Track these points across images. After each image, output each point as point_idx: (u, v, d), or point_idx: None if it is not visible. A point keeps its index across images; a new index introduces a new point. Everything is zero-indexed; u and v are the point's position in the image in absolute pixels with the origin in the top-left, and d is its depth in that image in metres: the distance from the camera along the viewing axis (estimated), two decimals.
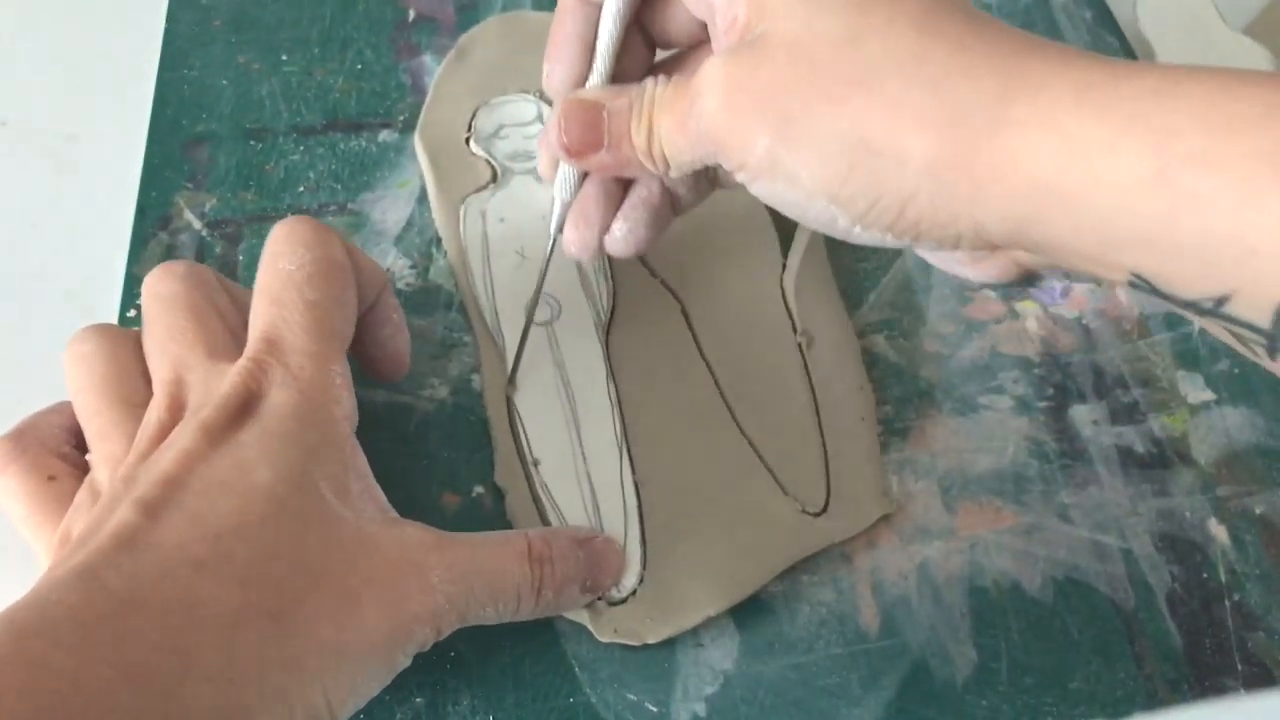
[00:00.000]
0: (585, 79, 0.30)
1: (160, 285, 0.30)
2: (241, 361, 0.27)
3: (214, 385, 0.27)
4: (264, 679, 0.23)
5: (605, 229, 0.31)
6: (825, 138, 0.24)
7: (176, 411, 0.28)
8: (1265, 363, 0.22)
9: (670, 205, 0.31)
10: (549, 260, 0.34)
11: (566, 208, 0.31)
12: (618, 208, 0.31)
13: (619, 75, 0.30)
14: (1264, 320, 0.21)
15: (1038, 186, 0.22)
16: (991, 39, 0.24)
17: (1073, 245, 0.23)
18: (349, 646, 0.25)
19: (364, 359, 0.33)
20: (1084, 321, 0.40)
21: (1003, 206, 0.23)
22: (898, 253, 0.41)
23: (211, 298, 0.30)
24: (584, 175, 0.31)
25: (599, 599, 0.32)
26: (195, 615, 0.23)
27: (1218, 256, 0.20)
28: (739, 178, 0.26)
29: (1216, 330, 0.23)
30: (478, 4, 0.47)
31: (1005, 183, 0.23)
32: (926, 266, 0.41)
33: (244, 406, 0.27)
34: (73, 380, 0.30)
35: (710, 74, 0.25)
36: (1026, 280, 0.27)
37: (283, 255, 0.29)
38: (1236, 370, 0.39)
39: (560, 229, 0.32)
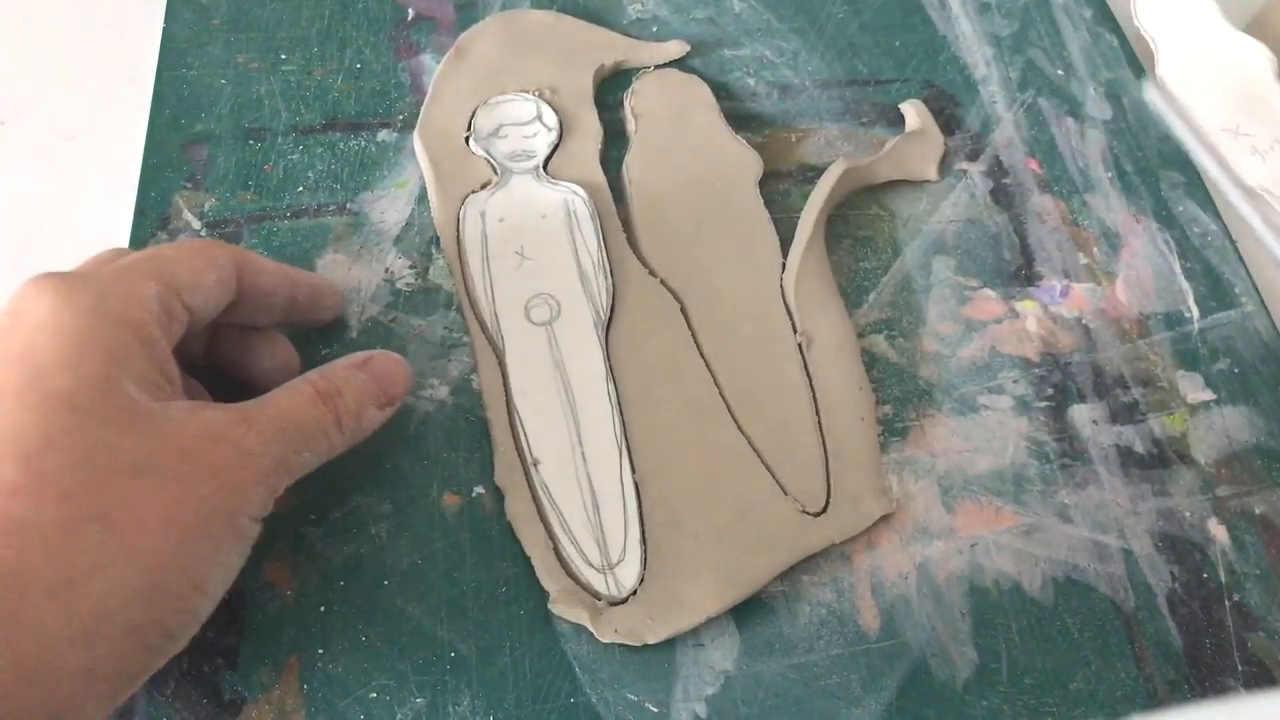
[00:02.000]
0: None
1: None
2: (39, 275, 0.27)
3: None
4: (111, 580, 0.24)
5: None
6: None
7: None
8: None
9: None
10: None
11: None
12: None
13: None
14: None
15: None
16: None
17: None
18: (187, 524, 0.25)
19: (255, 370, 0.34)
20: (1083, 321, 0.40)
21: None
22: (898, 253, 0.41)
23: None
24: None
25: (600, 601, 0.32)
26: (18, 538, 0.23)
27: None
28: None
29: None
30: (477, 3, 0.46)
31: None
32: (926, 266, 0.41)
33: (33, 313, 0.26)
34: None
35: None
36: None
37: None
38: (1236, 370, 0.39)
39: None
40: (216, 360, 0.34)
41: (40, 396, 0.25)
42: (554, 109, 0.42)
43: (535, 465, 0.34)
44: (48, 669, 0.23)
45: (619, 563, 0.32)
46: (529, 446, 0.34)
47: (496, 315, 0.37)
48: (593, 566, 0.32)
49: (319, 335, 0.36)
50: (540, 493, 0.33)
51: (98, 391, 0.25)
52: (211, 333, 0.33)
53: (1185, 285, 0.41)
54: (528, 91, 0.42)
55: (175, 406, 0.27)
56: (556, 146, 0.41)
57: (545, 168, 0.40)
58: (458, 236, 0.38)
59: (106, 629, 0.24)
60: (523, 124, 0.41)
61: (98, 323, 0.26)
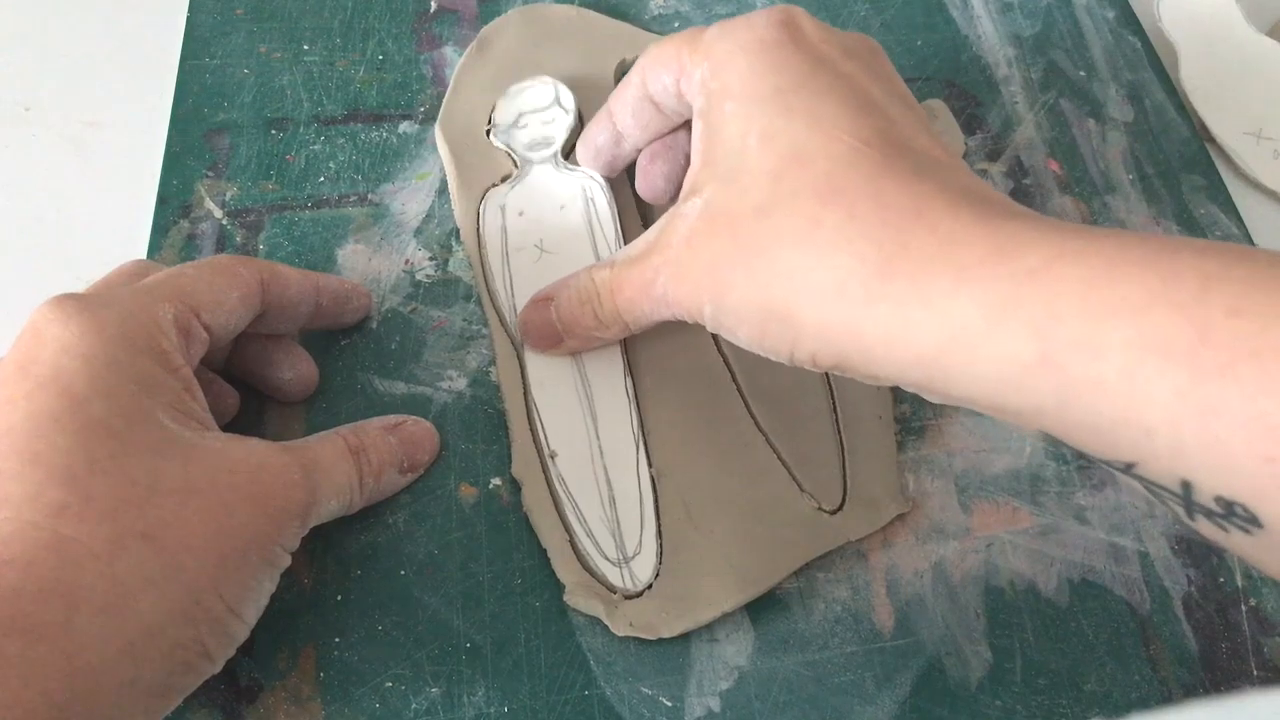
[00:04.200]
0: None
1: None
2: (59, 296, 0.27)
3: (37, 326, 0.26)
4: (157, 597, 0.24)
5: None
6: (744, 305, 0.27)
7: None
8: (1184, 521, 0.22)
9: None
10: None
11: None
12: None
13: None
14: (1174, 485, 0.21)
15: (923, 361, 0.24)
16: (889, 202, 0.25)
17: (975, 403, 0.24)
18: (227, 548, 0.26)
19: (274, 381, 0.34)
20: None
21: (895, 372, 0.25)
22: None
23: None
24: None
25: (615, 595, 0.32)
26: (68, 555, 0.24)
27: (1116, 435, 0.21)
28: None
29: (1135, 486, 0.23)
30: None
31: (891, 354, 0.24)
32: None
33: (58, 335, 0.26)
34: None
35: (664, 260, 0.29)
36: None
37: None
38: None
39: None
40: (236, 370, 0.34)
41: (80, 423, 0.25)
42: (571, 90, 0.41)
43: (552, 458, 0.34)
44: (97, 682, 0.23)
45: (634, 556, 0.33)
46: (546, 439, 0.34)
47: (515, 308, 0.37)
48: (608, 560, 0.32)
49: None
50: (557, 485, 0.33)
51: (133, 421, 0.26)
52: (233, 343, 0.33)
53: None
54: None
55: (212, 436, 0.27)
56: (575, 132, 0.41)
57: (564, 155, 0.40)
58: (478, 230, 0.38)
59: (152, 645, 0.24)
60: (541, 109, 0.41)
61: (126, 351, 0.26)
